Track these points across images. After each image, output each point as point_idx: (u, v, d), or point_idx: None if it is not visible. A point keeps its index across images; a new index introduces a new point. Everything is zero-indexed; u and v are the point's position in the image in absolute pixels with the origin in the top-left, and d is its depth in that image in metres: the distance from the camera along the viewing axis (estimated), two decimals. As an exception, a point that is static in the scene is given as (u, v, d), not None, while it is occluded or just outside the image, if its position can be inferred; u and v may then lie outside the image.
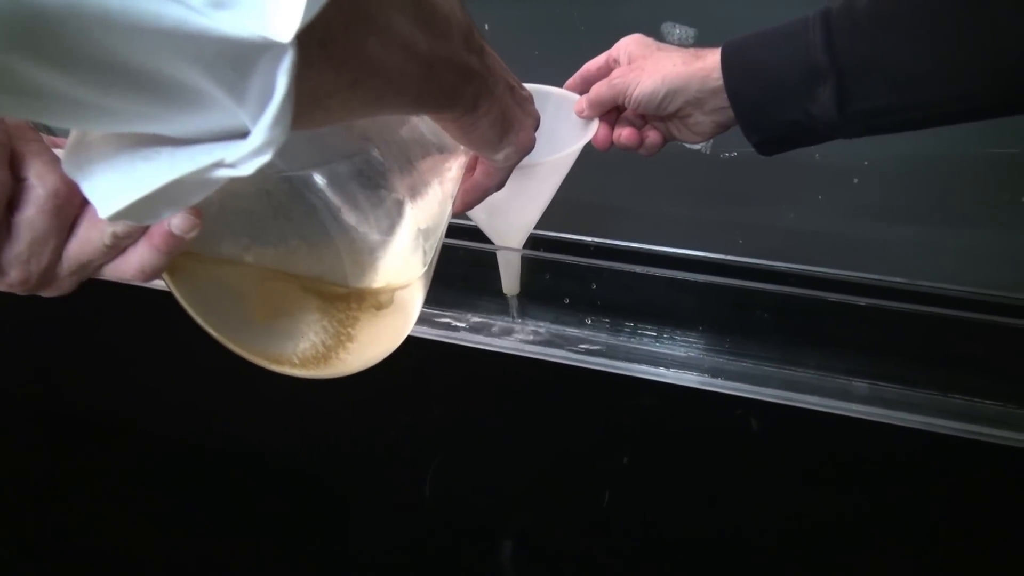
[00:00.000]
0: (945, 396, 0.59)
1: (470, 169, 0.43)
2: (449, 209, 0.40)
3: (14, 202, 0.25)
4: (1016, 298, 0.66)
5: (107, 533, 0.89)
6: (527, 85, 0.43)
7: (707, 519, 0.69)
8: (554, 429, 0.71)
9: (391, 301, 0.38)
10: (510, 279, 0.65)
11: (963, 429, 0.57)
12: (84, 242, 0.27)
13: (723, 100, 0.52)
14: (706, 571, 0.71)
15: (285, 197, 0.37)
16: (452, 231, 0.44)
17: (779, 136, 0.52)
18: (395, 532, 0.80)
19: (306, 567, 0.81)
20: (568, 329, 0.66)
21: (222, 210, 0.34)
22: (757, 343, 0.63)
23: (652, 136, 0.58)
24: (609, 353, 0.64)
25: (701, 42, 0.76)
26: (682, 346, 0.64)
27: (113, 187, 0.21)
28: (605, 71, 0.58)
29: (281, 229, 0.37)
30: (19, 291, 0.27)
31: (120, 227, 0.27)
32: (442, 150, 0.41)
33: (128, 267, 0.28)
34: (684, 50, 0.54)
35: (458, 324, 0.68)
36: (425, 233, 0.39)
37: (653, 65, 0.54)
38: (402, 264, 0.39)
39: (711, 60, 0.52)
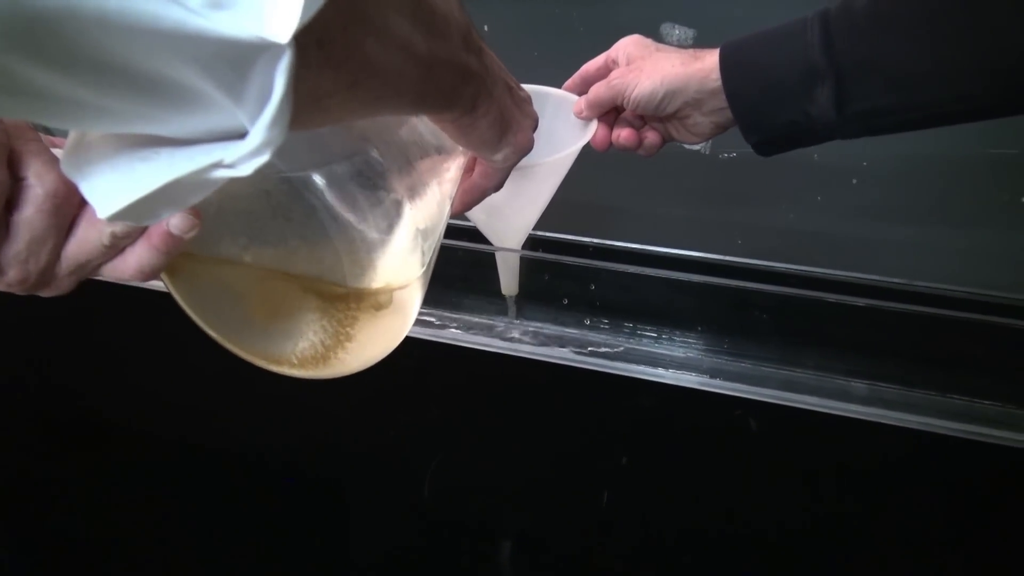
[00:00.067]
0: (944, 397, 0.59)
1: (469, 170, 0.43)
2: (448, 209, 0.40)
3: (13, 202, 0.25)
4: (1016, 298, 0.66)
5: (107, 533, 0.89)
6: (526, 86, 0.43)
7: (706, 519, 0.69)
8: (553, 430, 0.71)
9: (390, 301, 0.38)
10: (509, 280, 0.65)
11: (962, 430, 0.57)
12: (83, 242, 0.27)
13: (722, 101, 0.52)
14: (705, 571, 0.71)
15: (284, 197, 0.37)
16: (451, 232, 0.44)
17: (778, 137, 0.52)
18: (395, 532, 0.80)
19: (306, 567, 0.81)
20: (567, 330, 0.66)
21: (221, 210, 0.34)
22: (756, 344, 0.63)
23: (651, 137, 0.58)
24: (608, 354, 0.64)
25: (700, 43, 0.76)
26: (681, 347, 0.64)
27: (112, 187, 0.21)
28: (604, 72, 0.58)
29: (280, 229, 0.37)
30: (18, 291, 0.27)
31: (119, 227, 0.27)
32: (441, 151, 0.41)
33: (127, 267, 0.28)
34: (683, 51, 0.55)
35: (457, 325, 0.68)
36: (424, 233, 0.39)
37: (652, 66, 0.54)
38: (401, 264, 0.39)
39: (710, 61, 0.52)
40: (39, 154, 0.26)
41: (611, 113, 0.58)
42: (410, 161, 0.40)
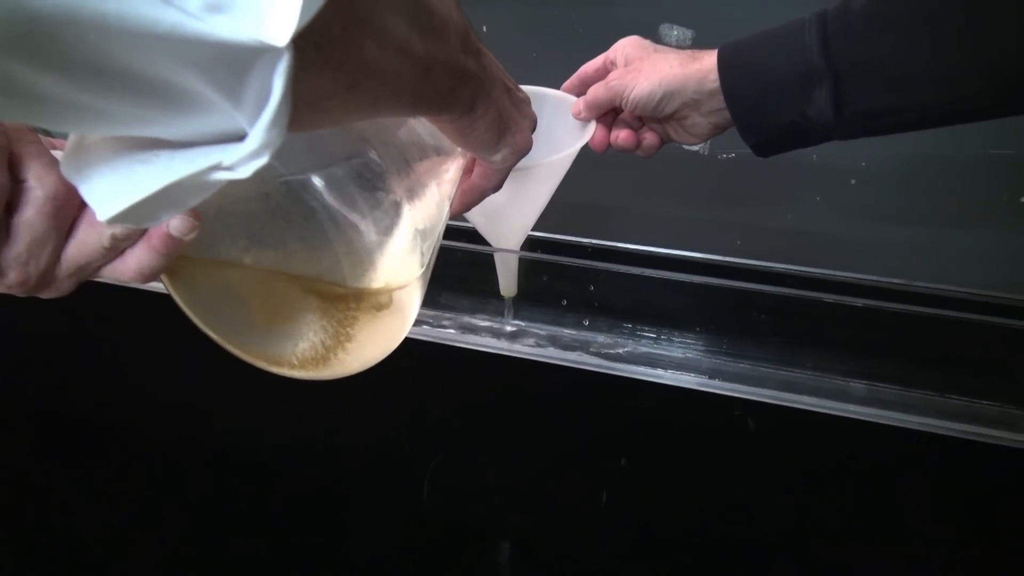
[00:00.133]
0: (943, 397, 0.59)
1: (467, 171, 0.43)
2: (447, 210, 0.40)
3: (13, 204, 0.26)
4: (1015, 298, 0.66)
5: (107, 533, 0.89)
6: (524, 87, 0.43)
7: (705, 520, 0.69)
8: (552, 430, 0.71)
9: (390, 301, 0.38)
10: (508, 280, 0.65)
11: (961, 430, 0.57)
12: (83, 244, 0.27)
13: (720, 102, 0.52)
14: (705, 571, 0.71)
15: (283, 199, 0.37)
16: (450, 233, 0.44)
17: (776, 137, 0.52)
18: (394, 532, 0.80)
19: (305, 567, 0.81)
20: (566, 330, 0.66)
21: (220, 212, 0.34)
22: (755, 344, 0.63)
23: (649, 138, 0.58)
24: (607, 354, 0.64)
25: (699, 44, 0.76)
26: (680, 347, 0.64)
27: (111, 190, 0.21)
28: (602, 73, 0.58)
29: (280, 231, 0.37)
30: (18, 292, 0.27)
31: (119, 229, 0.27)
32: (440, 152, 0.41)
33: (127, 269, 0.28)
34: (681, 52, 0.55)
35: (456, 325, 0.68)
36: (423, 234, 0.40)
37: (650, 67, 0.54)
38: (400, 265, 0.39)
39: (708, 62, 0.52)
40: (39, 156, 0.26)
41: (609, 114, 0.58)
42: (409, 162, 0.40)
